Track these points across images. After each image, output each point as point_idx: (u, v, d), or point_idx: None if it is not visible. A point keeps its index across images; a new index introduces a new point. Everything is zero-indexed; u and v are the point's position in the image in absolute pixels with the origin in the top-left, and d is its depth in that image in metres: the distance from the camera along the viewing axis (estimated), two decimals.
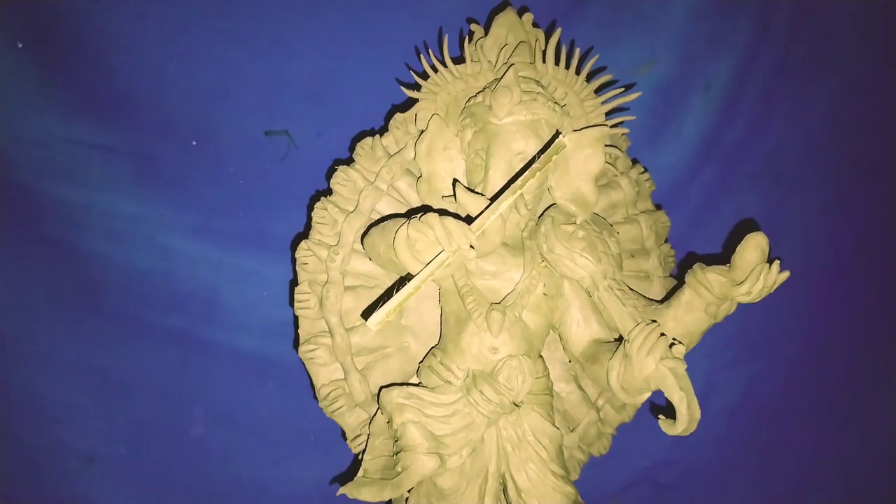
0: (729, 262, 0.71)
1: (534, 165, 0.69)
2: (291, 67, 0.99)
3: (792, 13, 1.10)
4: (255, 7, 0.97)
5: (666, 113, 1.09)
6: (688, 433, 0.68)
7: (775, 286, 0.70)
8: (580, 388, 0.87)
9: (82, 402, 1.00)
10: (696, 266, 0.73)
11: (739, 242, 0.70)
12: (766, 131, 1.12)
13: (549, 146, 0.71)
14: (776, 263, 0.69)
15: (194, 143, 1.00)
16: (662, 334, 0.69)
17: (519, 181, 0.68)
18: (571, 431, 0.86)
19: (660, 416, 0.69)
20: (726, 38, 1.08)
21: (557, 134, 0.73)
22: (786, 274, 0.70)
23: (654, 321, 0.71)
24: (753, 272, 0.69)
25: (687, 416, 0.66)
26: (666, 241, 0.91)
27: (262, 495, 1.05)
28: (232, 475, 1.05)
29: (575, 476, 0.87)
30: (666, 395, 0.68)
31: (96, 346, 1.00)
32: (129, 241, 0.99)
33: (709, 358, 1.11)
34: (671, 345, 0.69)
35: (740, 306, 0.75)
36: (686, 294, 0.73)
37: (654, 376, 0.67)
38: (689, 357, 0.94)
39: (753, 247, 0.69)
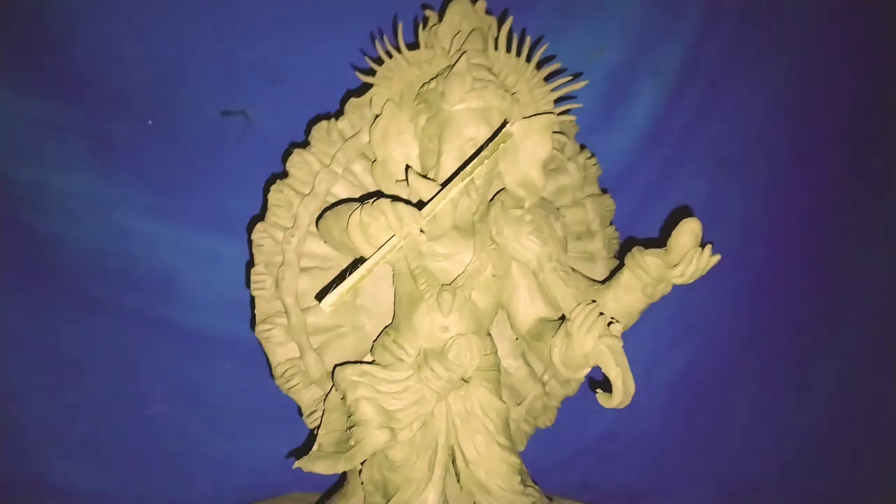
0: (665, 245, 0.75)
1: (481, 154, 0.72)
2: (249, 48, 0.99)
3: (739, 3, 1.13)
4: None
5: (616, 98, 1.12)
6: (623, 406, 0.72)
7: (707, 269, 0.74)
8: (527, 363, 0.91)
9: (40, 381, 1.01)
10: (634, 249, 0.77)
11: (675, 227, 0.75)
12: (711, 117, 1.16)
13: (497, 135, 0.74)
14: (708, 247, 0.74)
15: (150, 122, 1.00)
16: (601, 313, 0.73)
17: (467, 168, 0.71)
18: (518, 405, 0.90)
19: (597, 390, 0.74)
20: (676, 25, 1.12)
21: (505, 123, 0.76)
22: (717, 257, 0.74)
23: (593, 301, 0.75)
24: (687, 255, 0.73)
25: (622, 391, 0.71)
26: (611, 223, 0.95)
27: (221, 471, 1.07)
28: (191, 452, 1.07)
29: (522, 447, 0.91)
30: (603, 370, 0.72)
31: (54, 325, 1.00)
32: (86, 221, 0.99)
33: (651, 335, 1.16)
34: (609, 323, 0.73)
35: (682, 287, 0.79)
36: (625, 275, 0.77)
37: (593, 353, 0.71)
38: (634, 334, 0.99)
39: (687, 232, 0.73)
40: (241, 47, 0.99)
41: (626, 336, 0.77)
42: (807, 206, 1.22)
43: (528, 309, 0.82)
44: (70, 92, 0.97)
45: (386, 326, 0.84)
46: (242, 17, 0.98)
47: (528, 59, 0.85)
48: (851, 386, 1.27)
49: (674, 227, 0.75)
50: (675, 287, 0.78)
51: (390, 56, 0.83)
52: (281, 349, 0.85)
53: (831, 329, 1.26)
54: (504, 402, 0.81)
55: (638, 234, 1.05)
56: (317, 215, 0.82)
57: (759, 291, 1.22)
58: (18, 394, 1.01)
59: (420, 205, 0.71)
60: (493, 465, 0.78)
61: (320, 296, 0.70)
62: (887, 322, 1.26)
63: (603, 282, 0.81)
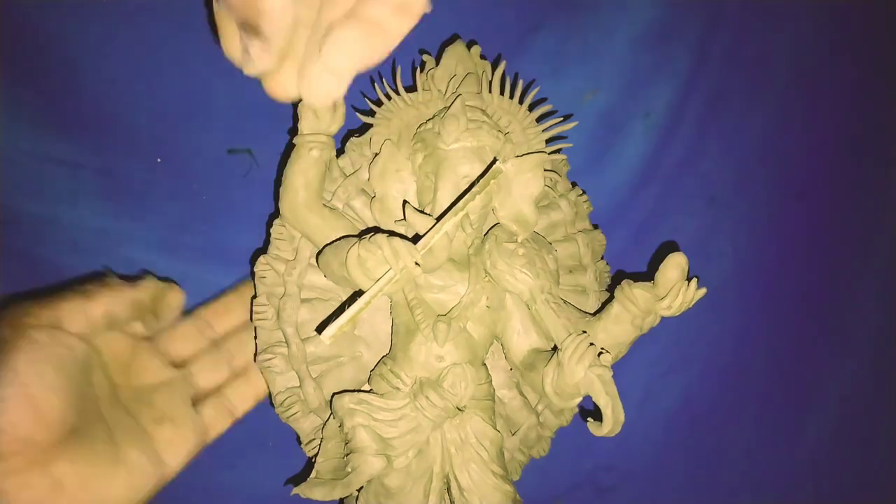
0: (653, 279, 0.78)
1: (473, 189, 0.76)
2: (255, 90, 1.03)
3: (728, 47, 1.18)
4: None
5: (608, 138, 1.16)
6: (613, 434, 0.74)
7: (693, 301, 0.77)
8: (521, 394, 0.92)
9: None
10: (623, 282, 0.80)
11: (663, 262, 0.78)
12: (701, 156, 1.20)
13: (488, 171, 0.78)
14: (694, 281, 0.77)
15: (159, 160, 1.04)
16: (591, 344, 0.76)
17: (460, 203, 0.75)
18: (513, 434, 0.92)
19: (588, 419, 0.76)
20: (666, 68, 1.16)
21: (495, 160, 0.80)
22: (702, 291, 0.77)
23: (584, 332, 0.78)
24: (673, 289, 0.76)
25: (612, 419, 0.73)
26: (602, 258, 0.98)
27: (221, 498, 1.08)
28: (193, 480, 1.06)
29: (516, 477, 0.92)
30: (594, 399, 0.74)
31: None
32: (95, 254, 1.02)
33: (647, 368, 1.18)
34: (599, 353, 0.76)
35: (676, 321, 0.82)
36: (615, 308, 0.80)
37: (584, 382, 0.74)
38: (629, 367, 1.01)
39: (674, 266, 0.77)
40: (247, 89, 1.03)
41: (621, 368, 0.80)
42: (798, 242, 1.26)
43: (522, 339, 0.85)
44: (81, 130, 1.01)
45: (383, 356, 0.87)
46: None
47: (521, 102, 0.90)
48: (846, 419, 1.28)
49: (661, 262, 0.78)
50: (669, 321, 0.81)
51: (389, 98, 0.88)
52: (281, 378, 0.87)
53: (825, 363, 1.28)
54: (498, 432, 0.83)
55: (630, 269, 1.08)
56: (317, 249, 0.85)
57: (752, 326, 1.24)
58: None
59: (417, 238, 0.75)
60: (486, 492, 0.80)
61: (320, 328, 0.73)
62: (881, 356, 1.28)
63: (594, 314, 0.84)
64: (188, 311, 1.04)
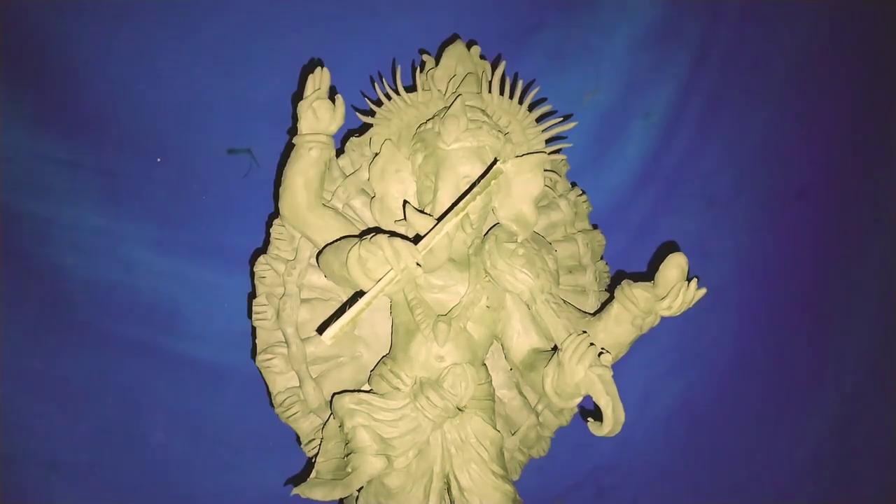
0: (653, 279, 0.78)
1: (474, 190, 0.75)
2: (255, 89, 1.04)
3: (727, 47, 1.18)
4: (221, 32, 1.02)
5: (609, 138, 1.16)
6: (613, 434, 0.74)
7: (693, 302, 0.77)
8: (521, 393, 0.92)
9: (46, 410, 1.03)
10: (623, 282, 0.80)
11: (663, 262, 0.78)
12: (701, 156, 1.20)
13: (489, 172, 0.78)
14: (694, 281, 0.77)
15: (159, 159, 1.04)
16: (592, 344, 0.76)
17: (461, 204, 0.74)
18: (512, 434, 0.92)
19: (588, 418, 0.75)
20: (666, 68, 1.16)
21: (496, 161, 0.79)
22: (702, 291, 0.77)
23: (584, 332, 0.78)
24: (674, 289, 0.76)
25: (612, 419, 0.73)
26: (601, 258, 0.98)
27: (222, 499, 1.08)
28: (192, 480, 1.08)
29: (516, 476, 0.92)
30: (594, 399, 0.74)
31: (60, 355, 1.02)
32: (94, 254, 1.02)
33: (647, 368, 1.18)
34: (600, 353, 0.76)
35: (676, 320, 0.82)
36: (615, 308, 0.80)
37: (584, 382, 0.74)
38: (629, 367, 1.01)
39: (674, 266, 0.77)
40: (247, 89, 1.03)
41: (621, 369, 0.80)
42: (798, 242, 1.25)
43: (522, 339, 0.85)
44: (82, 130, 1.01)
45: (383, 356, 0.86)
46: (249, 61, 1.03)
47: (521, 102, 0.90)
48: (845, 419, 1.28)
49: (661, 262, 0.78)
50: (669, 321, 0.81)
51: (389, 98, 0.87)
52: (281, 378, 0.87)
53: (824, 362, 1.28)
54: (498, 431, 0.83)
55: (629, 269, 1.08)
56: (317, 249, 0.85)
57: (752, 325, 1.24)
58: (24, 422, 1.02)
59: (417, 239, 0.74)
60: (487, 493, 0.80)
61: (321, 329, 0.73)
62: (880, 355, 1.28)
63: (594, 314, 0.84)
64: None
